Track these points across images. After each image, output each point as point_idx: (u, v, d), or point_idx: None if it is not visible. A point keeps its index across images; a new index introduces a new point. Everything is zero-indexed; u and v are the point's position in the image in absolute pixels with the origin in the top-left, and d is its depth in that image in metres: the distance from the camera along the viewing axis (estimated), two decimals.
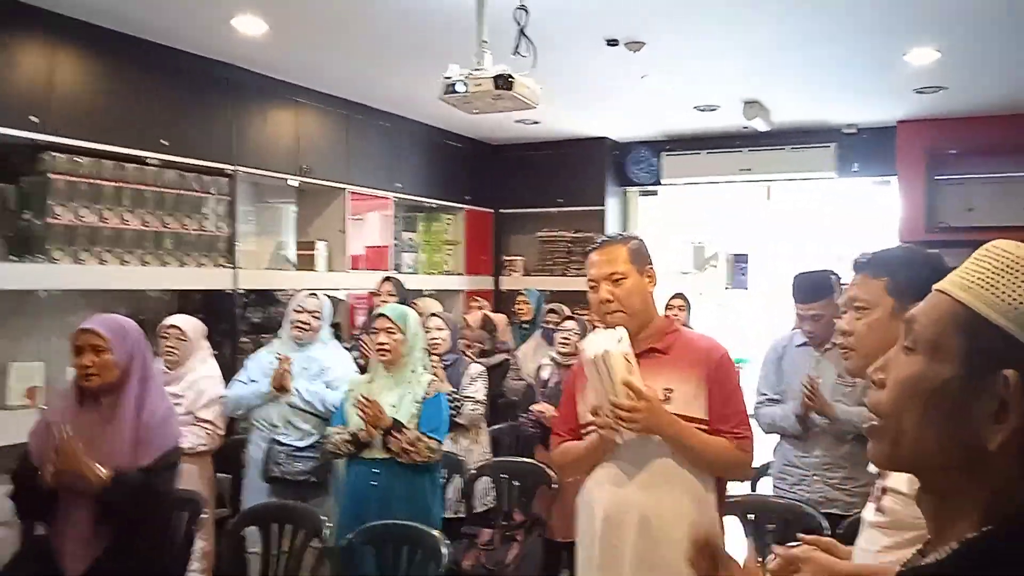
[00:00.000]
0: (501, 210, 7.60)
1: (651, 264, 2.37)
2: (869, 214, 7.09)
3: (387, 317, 3.42)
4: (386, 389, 3.38)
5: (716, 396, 2.24)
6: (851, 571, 1.38)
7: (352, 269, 5.83)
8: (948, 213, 6.26)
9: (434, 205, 6.88)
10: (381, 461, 3.26)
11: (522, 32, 3.24)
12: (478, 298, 6.66)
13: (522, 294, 6.27)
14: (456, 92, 3.14)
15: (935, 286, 0.88)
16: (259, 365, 3.93)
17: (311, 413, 3.81)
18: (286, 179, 5.32)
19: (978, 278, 0.82)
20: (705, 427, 2.22)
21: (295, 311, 3.98)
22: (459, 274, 7.09)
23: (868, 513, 1.59)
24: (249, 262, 5.10)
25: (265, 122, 5.19)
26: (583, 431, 2.32)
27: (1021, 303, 0.79)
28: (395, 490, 3.25)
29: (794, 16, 4.00)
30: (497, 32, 3.37)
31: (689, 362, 2.26)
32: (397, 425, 3.23)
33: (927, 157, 6.27)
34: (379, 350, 3.40)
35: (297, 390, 3.79)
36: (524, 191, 7.44)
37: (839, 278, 6.07)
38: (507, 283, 7.48)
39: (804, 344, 3.38)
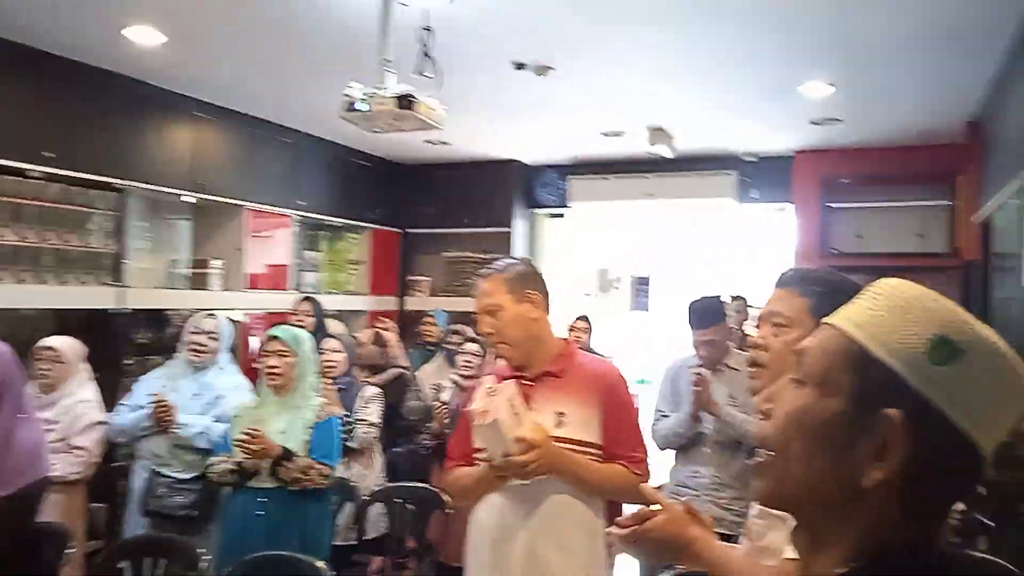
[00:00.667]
0: (408, 230, 7.51)
1: (534, 289, 2.32)
2: (767, 239, 7.32)
3: (279, 339, 3.29)
4: (275, 414, 3.24)
5: (611, 419, 2.24)
6: (700, 535, 1.40)
7: (250, 289, 5.64)
8: (840, 240, 6.52)
9: (338, 224, 6.74)
10: (269, 490, 3.12)
11: (426, 53, 3.20)
12: (383, 318, 6.53)
13: (429, 315, 6.21)
14: (357, 110, 3.06)
15: (825, 320, 0.88)
16: (146, 390, 3.73)
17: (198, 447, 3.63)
18: (181, 195, 5.11)
19: (870, 315, 0.82)
20: (599, 450, 2.21)
21: (191, 332, 3.80)
22: (363, 294, 6.96)
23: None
24: (140, 280, 4.87)
25: (160, 136, 4.98)
26: (476, 456, 2.27)
27: (909, 343, 0.78)
28: (283, 519, 3.11)
29: (696, 45, 4.09)
30: (402, 52, 3.33)
31: (583, 386, 2.25)
32: (287, 454, 3.10)
33: (821, 186, 6.52)
34: (269, 374, 3.27)
35: (183, 426, 3.60)
36: (432, 211, 7.38)
37: (743, 299, 6.26)
38: (413, 303, 7.38)
39: (699, 366, 3.45)
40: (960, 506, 1.87)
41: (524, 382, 2.26)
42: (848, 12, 3.57)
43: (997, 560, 2.49)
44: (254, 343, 5.64)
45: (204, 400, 3.73)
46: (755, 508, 1.57)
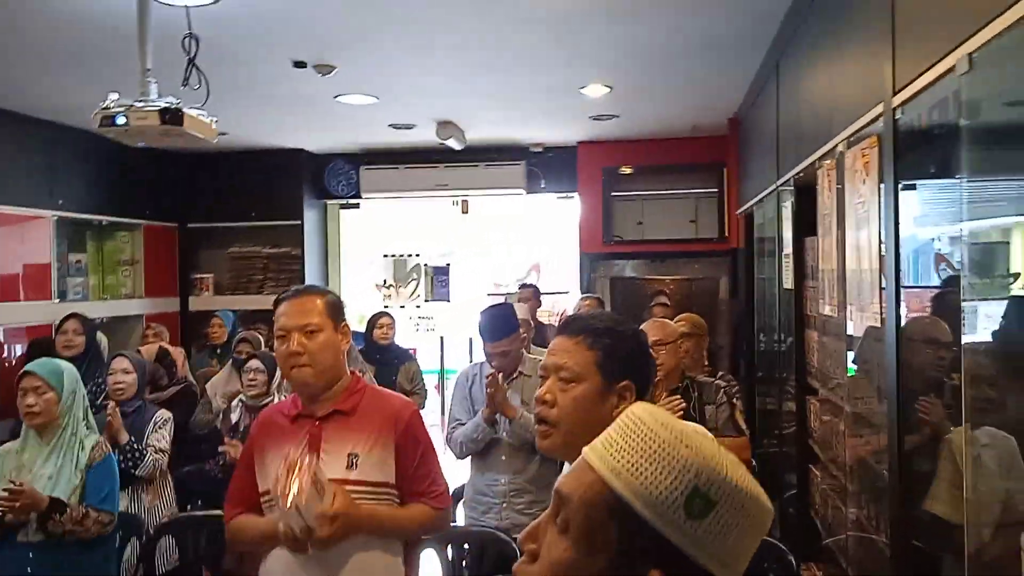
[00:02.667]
0: (188, 224, 7.04)
1: (346, 321, 2.29)
2: (556, 227, 7.57)
3: (35, 374, 2.96)
4: (41, 458, 2.93)
5: (407, 458, 2.18)
6: None
7: (4, 301, 5.06)
8: (622, 227, 6.87)
9: (106, 222, 6.18)
10: (38, 544, 2.83)
11: (192, 62, 2.96)
12: (153, 324, 6.08)
13: (216, 316, 5.88)
14: (116, 125, 2.79)
15: (585, 452, 0.87)
16: None
17: None
18: None
19: (627, 462, 0.82)
20: (395, 489, 2.17)
21: None
22: (139, 297, 6.45)
23: None
24: None
25: None
26: (263, 501, 2.17)
27: (667, 498, 0.80)
28: (59, 573, 2.84)
29: (483, 46, 4.11)
30: (168, 55, 3.06)
31: (376, 424, 2.19)
32: (57, 505, 2.81)
33: (603, 176, 6.83)
34: (28, 413, 2.94)
35: None
36: (213, 204, 6.97)
37: (534, 287, 6.43)
38: (197, 303, 6.96)
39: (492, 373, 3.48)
40: None
41: (315, 422, 2.18)
42: (621, 24, 3.74)
43: None
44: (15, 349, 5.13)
45: None
46: None
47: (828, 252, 2.86)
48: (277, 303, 2.25)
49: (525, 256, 7.84)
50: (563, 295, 7.50)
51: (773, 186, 4.08)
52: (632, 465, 0.82)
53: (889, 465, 2.16)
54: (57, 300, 5.50)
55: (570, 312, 5.28)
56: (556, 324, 6.35)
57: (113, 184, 6.11)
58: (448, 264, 7.87)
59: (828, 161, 2.83)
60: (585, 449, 0.87)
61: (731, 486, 0.82)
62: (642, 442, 0.83)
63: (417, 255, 7.89)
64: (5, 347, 5.13)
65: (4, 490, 2.73)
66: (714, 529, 0.81)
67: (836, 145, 2.65)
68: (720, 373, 4.31)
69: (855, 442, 2.68)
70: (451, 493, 4.03)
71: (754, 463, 3.63)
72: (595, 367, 1.54)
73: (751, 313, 5.36)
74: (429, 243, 8.18)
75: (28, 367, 3.04)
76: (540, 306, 6.54)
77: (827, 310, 2.91)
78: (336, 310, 2.24)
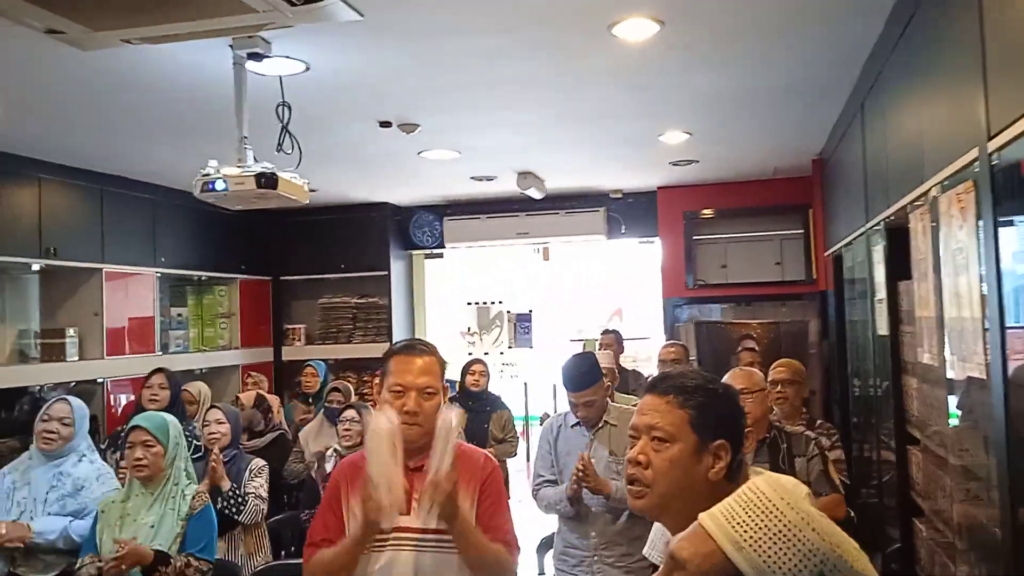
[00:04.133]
0: (280, 277, 7.30)
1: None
2: (637, 272, 7.54)
3: (143, 429, 3.11)
4: (143, 507, 3.05)
5: (486, 508, 2.26)
6: None
7: (112, 355, 5.33)
8: (705, 271, 6.79)
9: (205, 277, 6.47)
10: None
11: (285, 129, 3.11)
12: (253, 373, 6.31)
13: (309, 365, 5.98)
14: (215, 191, 2.94)
15: (702, 519, 0.87)
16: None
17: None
18: (29, 263, 4.78)
19: (750, 538, 0.82)
20: None
21: (41, 420, 3.53)
22: (235, 348, 6.70)
23: None
24: None
25: (1, 202, 4.64)
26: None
27: None
28: None
29: (561, 99, 4.17)
30: (262, 119, 3.23)
31: (464, 477, 2.22)
32: (162, 558, 2.92)
33: (684, 219, 6.78)
34: (136, 466, 3.08)
35: (40, 532, 3.33)
36: (304, 257, 7.22)
37: (616, 332, 6.39)
38: (289, 353, 7.18)
39: (577, 424, 3.46)
40: None
41: (408, 471, 2.21)
42: (699, 72, 3.74)
43: None
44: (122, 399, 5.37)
45: (62, 491, 3.45)
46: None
47: (925, 298, 2.77)
48: (391, 355, 2.31)
49: (607, 301, 7.81)
50: (644, 340, 7.43)
51: (862, 228, 3.98)
52: (756, 541, 0.81)
53: (1001, 523, 2.06)
54: (160, 352, 5.75)
55: (656, 359, 5.20)
56: (639, 370, 6.31)
57: (210, 241, 6.41)
58: (530, 311, 7.91)
59: (921, 206, 2.76)
60: (702, 516, 0.87)
61: (853, 572, 0.80)
62: (767, 519, 0.83)
63: (500, 302, 7.96)
64: (112, 397, 5.38)
65: (112, 552, 2.85)
66: None
67: (929, 189, 2.58)
68: (819, 422, 4.18)
69: (963, 496, 2.56)
70: (540, 542, 4.05)
71: (852, 514, 3.49)
72: (688, 427, 1.50)
73: (843, 357, 5.20)
74: (511, 290, 8.24)
75: (136, 421, 3.19)
76: (623, 352, 6.49)
77: (926, 358, 2.81)
78: (442, 370, 2.33)
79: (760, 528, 0.81)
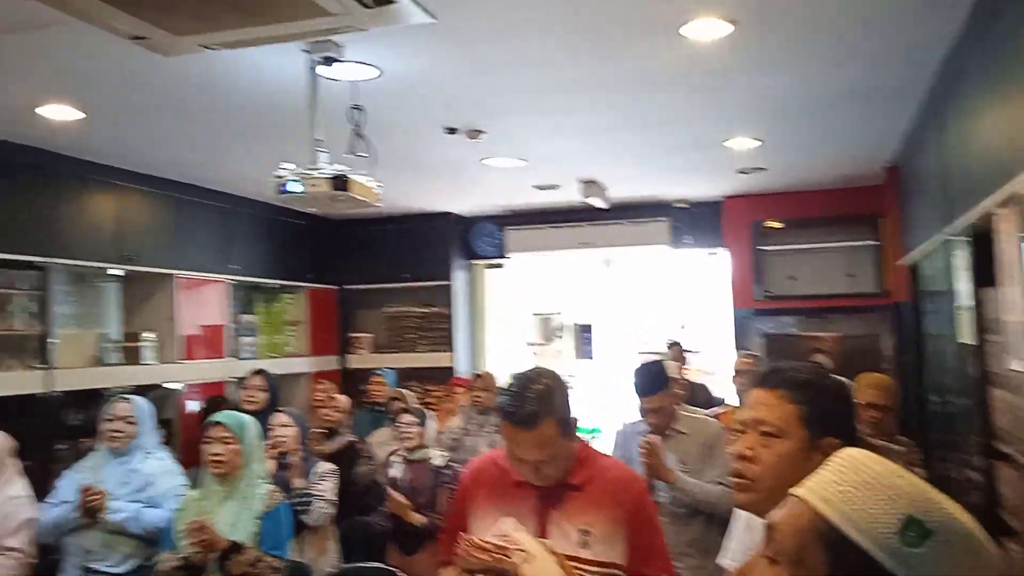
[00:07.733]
0: (346, 286, 7.41)
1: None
2: (703, 283, 7.43)
3: (223, 425, 3.17)
4: (220, 505, 3.11)
5: (639, 537, 1.99)
6: None
7: (185, 359, 5.46)
8: (774, 282, 6.65)
9: (274, 285, 6.60)
10: None
11: (357, 132, 3.16)
12: (323, 380, 6.39)
13: (377, 373, 5.96)
14: (292, 192, 3.00)
15: (793, 491, 0.87)
16: (71, 484, 3.54)
17: (131, 536, 3.45)
18: (107, 268, 4.94)
19: (838, 491, 0.82)
20: (622, 572, 1.96)
21: (106, 419, 3.62)
22: (302, 355, 6.81)
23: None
24: (69, 360, 4.68)
25: (82, 209, 4.82)
26: None
27: (881, 523, 0.79)
28: None
29: (625, 106, 4.16)
30: (335, 123, 3.28)
31: (608, 498, 2.00)
32: (236, 547, 2.97)
33: (752, 229, 6.66)
34: (213, 461, 3.14)
35: (113, 511, 3.42)
36: (369, 267, 7.31)
37: (679, 344, 6.30)
38: (355, 361, 7.27)
39: (649, 431, 3.42)
40: None
41: (541, 493, 2.00)
42: (767, 76, 3.68)
43: None
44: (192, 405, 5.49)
45: (131, 487, 3.53)
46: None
47: (1013, 303, 2.66)
48: (506, 423, 1.99)
49: (671, 313, 7.71)
50: (703, 353, 7.30)
51: (941, 235, 3.85)
52: (843, 493, 0.82)
53: None
54: (231, 359, 5.87)
55: (729, 370, 5.10)
56: (705, 384, 6.19)
57: (280, 250, 6.55)
58: (592, 322, 7.86)
59: (1007, 209, 2.65)
60: (792, 489, 0.87)
61: (949, 517, 0.80)
62: (854, 474, 0.83)
63: (563, 313, 7.93)
64: (186, 403, 5.51)
65: (190, 527, 2.91)
66: (929, 558, 0.78)
67: (1017, 190, 2.48)
68: (897, 438, 4.03)
69: None
70: None
71: None
72: (799, 422, 1.45)
73: (920, 371, 5.02)
74: (574, 300, 8.20)
75: (216, 417, 3.25)
76: (684, 363, 6.39)
77: (1015, 364, 2.69)
78: (567, 428, 2.04)
79: (846, 481, 0.83)
